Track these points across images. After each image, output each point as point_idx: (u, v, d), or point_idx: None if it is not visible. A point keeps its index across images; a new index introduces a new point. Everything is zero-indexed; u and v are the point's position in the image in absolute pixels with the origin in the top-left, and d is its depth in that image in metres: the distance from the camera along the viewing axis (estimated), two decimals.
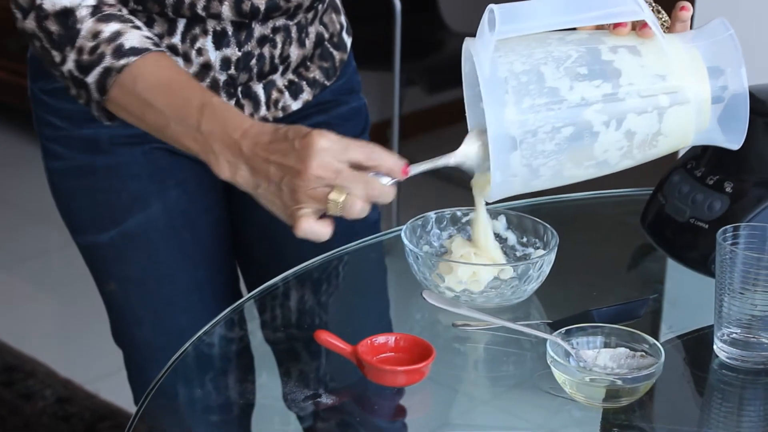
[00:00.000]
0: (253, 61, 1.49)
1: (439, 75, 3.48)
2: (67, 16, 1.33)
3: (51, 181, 1.58)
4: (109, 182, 1.53)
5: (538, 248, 1.42)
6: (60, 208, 1.60)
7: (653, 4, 1.35)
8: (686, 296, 1.47)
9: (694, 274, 1.40)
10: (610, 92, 1.22)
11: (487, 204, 1.34)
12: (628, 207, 1.62)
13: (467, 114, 1.30)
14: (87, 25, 1.32)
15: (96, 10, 1.33)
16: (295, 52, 1.53)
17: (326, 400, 1.27)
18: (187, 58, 1.46)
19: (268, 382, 1.33)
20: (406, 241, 1.38)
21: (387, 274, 1.58)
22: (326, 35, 1.59)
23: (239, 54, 1.48)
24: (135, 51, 1.32)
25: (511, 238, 1.45)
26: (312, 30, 1.55)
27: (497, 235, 1.44)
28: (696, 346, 1.36)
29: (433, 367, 1.23)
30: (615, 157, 1.25)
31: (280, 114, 1.55)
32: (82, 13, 1.33)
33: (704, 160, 1.42)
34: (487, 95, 1.21)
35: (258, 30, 1.48)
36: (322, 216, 1.24)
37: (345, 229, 1.54)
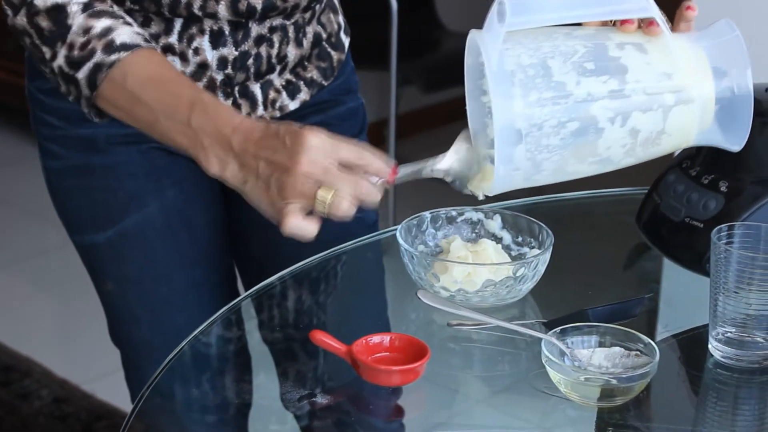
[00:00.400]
0: (250, 61, 1.50)
1: (435, 74, 3.48)
2: (58, 12, 1.33)
3: (48, 181, 1.59)
4: (106, 181, 1.54)
5: (533, 248, 1.43)
6: (57, 207, 1.60)
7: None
8: (682, 295, 1.47)
9: (690, 274, 1.40)
10: (617, 88, 1.22)
11: (486, 196, 1.33)
12: (623, 206, 1.62)
13: (468, 107, 1.30)
14: (78, 21, 1.32)
15: (87, 7, 1.33)
16: (292, 52, 1.53)
17: (322, 399, 1.27)
18: (184, 58, 1.46)
19: (265, 381, 1.33)
20: (401, 241, 1.38)
21: (385, 273, 1.58)
22: (324, 35, 1.59)
23: (236, 53, 1.48)
24: (126, 47, 1.32)
25: (506, 237, 1.45)
26: (310, 30, 1.55)
27: (492, 235, 1.45)
28: (691, 345, 1.36)
29: (428, 367, 1.24)
30: (618, 155, 1.25)
31: (278, 114, 1.55)
32: (73, 9, 1.33)
33: (699, 160, 1.42)
34: (495, 87, 1.20)
35: (255, 29, 1.48)
36: (309, 214, 1.24)
37: (342, 230, 1.54)
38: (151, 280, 1.57)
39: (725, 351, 1.26)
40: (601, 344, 1.23)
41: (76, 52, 1.32)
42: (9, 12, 1.36)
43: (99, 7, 1.34)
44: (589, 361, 1.22)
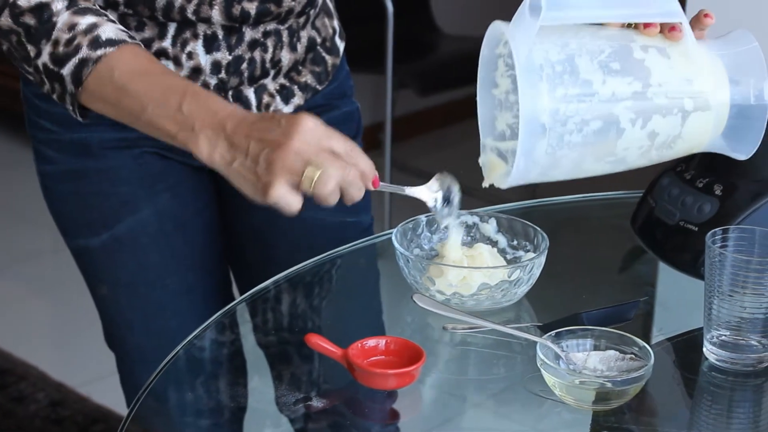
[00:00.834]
0: (244, 65, 1.50)
1: (431, 77, 3.48)
2: (42, 10, 1.33)
3: (43, 185, 1.59)
4: (100, 186, 1.54)
5: (528, 251, 1.43)
6: (52, 211, 1.60)
7: None
8: (676, 299, 1.47)
9: (685, 277, 1.40)
10: (640, 90, 1.23)
11: (490, 186, 1.34)
12: (618, 210, 1.62)
13: (478, 98, 1.31)
14: (63, 18, 1.32)
15: (71, 4, 1.33)
16: (286, 57, 1.53)
17: (317, 403, 1.27)
18: (177, 62, 1.46)
19: (260, 385, 1.33)
20: (396, 245, 1.39)
21: (380, 277, 1.58)
22: (318, 40, 1.59)
23: (230, 58, 1.48)
24: (112, 42, 1.32)
25: (502, 241, 1.45)
26: (304, 34, 1.55)
27: (488, 238, 1.45)
28: (686, 348, 1.36)
29: (423, 370, 1.24)
30: (633, 156, 1.26)
31: None
32: (58, 6, 1.33)
33: (694, 163, 1.43)
34: (523, 80, 1.20)
35: (249, 34, 1.48)
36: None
37: (337, 234, 1.54)
38: (145, 285, 1.57)
39: (720, 354, 1.26)
40: (596, 347, 1.24)
41: (61, 49, 1.32)
42: None
43: (83, 4, 1.34)
44: (584, 365, 1.22)
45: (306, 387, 1.31)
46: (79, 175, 1.54)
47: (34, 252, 3.41)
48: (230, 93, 1.50)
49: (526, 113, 1.21)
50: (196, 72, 1.47)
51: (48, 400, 2.69)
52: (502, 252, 1.44)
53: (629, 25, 1.28)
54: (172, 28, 1.45)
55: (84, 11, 1.33)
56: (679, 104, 1.25)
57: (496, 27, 1.27)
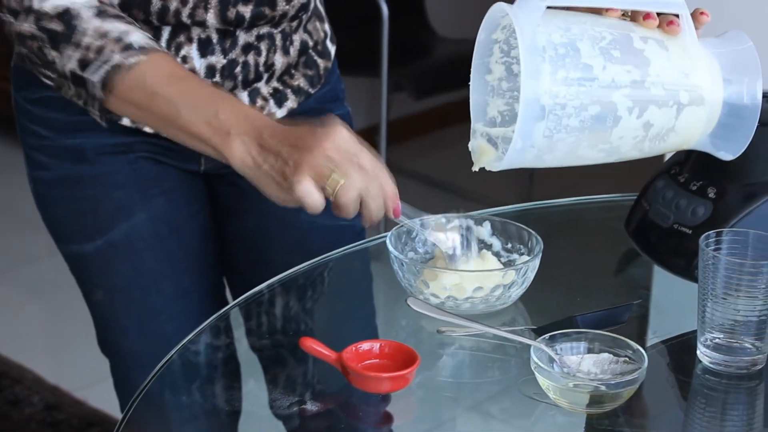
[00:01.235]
0: (238, 69, 1.50)
1: (426, 80, 3.48)
2: (70, 16, 1.33)
3: (36, 191, 1.58)
4: (94, 192, 1.53)
5: (522, 254, 1.43)
6: (45, 217, 1.60)
7: None
8: (670, 301, 1.48)
9: (679, 280, 1.40)
10: (639, 79, 1.24)
11: (483, 167, 1.34)
12: (612, 213, 1.62)
13: (471, 83, 1.31)
14: (93, 25, 1.32)
15: (99, 10, 1.34)
16: (279, 60, 1.54)
17: (312, 406, 1.27)
18: None
19: (254, 389, 1.33)
20: (390, 248, 1.39)
21: (373, 281, 1.58)
22: (310, 43, 1.59)
23: (224, 62, 1.48)
24: (144, 50, 1.32)
25: (496, 244, 1.45)
26: (296, 38, 1.56)
27: (482, 241, 1.45)
28: (680, 351, 1.36)
29: (417, 374, 1.24)
30: (627, 145, 1.26)
31: None
32: (87, 13, 1.33)
33: (688, 166, 1.43)
34: (526, 61, 1.20)
35: (243, 38, 1.48)
36: None
37: (331, 237, 1.54)
38: (140, 290, 1.57)
39: (713, 357, 1.26)
40: (590, 350, 1.24)
41: (91, 55, 1.32)
42: (9, 18, 1.35)
43: (111, 11, 1.34)
44: (578, 368, 1.22)
45: (300, 390, 1.31)
46: (74, 181, 1.54)
47: (30, 256, 3.40)
48: None
49: (527, 94, 1.20)
50: None
51: (43, 404, 2.69)
52: (497, 255, 1.44)
53: (628, 18, 1.29)
54: (166, 32, 1.45)
55: (113, 18, 1.33)
56: (675, 96, 1.26)
57: (497, 9, 1.26)
